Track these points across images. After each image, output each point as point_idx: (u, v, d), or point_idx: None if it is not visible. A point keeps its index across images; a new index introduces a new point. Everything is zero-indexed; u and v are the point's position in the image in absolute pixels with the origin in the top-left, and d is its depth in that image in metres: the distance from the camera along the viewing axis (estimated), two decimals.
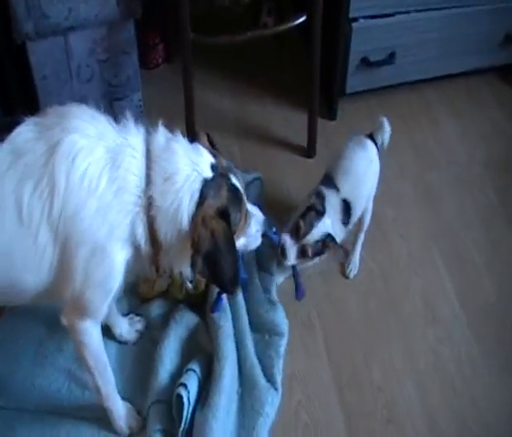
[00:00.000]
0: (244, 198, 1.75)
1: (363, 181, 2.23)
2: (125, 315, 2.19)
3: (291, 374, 2.13)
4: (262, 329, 2.19)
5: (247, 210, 1.79)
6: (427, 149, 2.80)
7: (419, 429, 2.05)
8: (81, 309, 1.72)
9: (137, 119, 1.72)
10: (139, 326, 2.19)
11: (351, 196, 2.18)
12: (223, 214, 1.63)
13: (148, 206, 1.61)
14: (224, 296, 2.14)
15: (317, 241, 2.07)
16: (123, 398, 2.00)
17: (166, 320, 2.18)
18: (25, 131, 1.62)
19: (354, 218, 2.24)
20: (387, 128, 2.30)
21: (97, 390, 1.91)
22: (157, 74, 3.00)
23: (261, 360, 2.12)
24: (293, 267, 2.19)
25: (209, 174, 1.64)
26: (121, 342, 2.15)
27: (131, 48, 2.57)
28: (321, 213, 2.09)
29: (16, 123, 1.63)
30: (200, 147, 1.70)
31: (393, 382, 2.14)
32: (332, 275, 2.39)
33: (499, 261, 2.46)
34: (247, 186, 2.49)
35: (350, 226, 2.23)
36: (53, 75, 2.49)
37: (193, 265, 1.62)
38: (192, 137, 1.76)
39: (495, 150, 2.82)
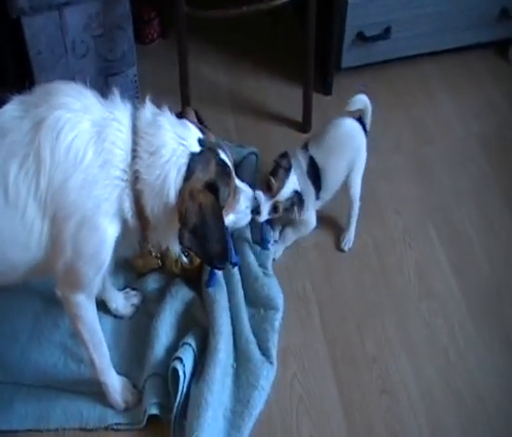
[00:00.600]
0: (233, 173, 1.74)
1: (336, 151, 2.25)
2: (121, 289, 2.19)
3: (286, 347, 2.13)
4: (258, 303, 2.18)
5: (236, 186, 1.78)
6: (423, 124, 2.77)
7: (413, 400, 2.05)
8: (74, 283, 1.72)
9: (126, 94, 1.71)
10: (135, 300, 2.18)
11: (320, 159, 2.23)
12: (211, 188, 1.62)
13: (135, 180, 1.60)
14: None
15: (288, 198, 2.14)
16: (119, 372, 2.00)
17: (162, 295, 2.18)
18: (11, 110, 1.62)
19: (328, 186, 2.26)
20: (365, 105, 2.32)
21: (93, 364, 1.91)
22: (152, 49, 2.96)
23: (256, 334, 2.12)
24: (263, 222, 2.23)
25: (196, 148, 1.63)
26: (117, 317, 2.15)
27: (126, 23, 2.53)
28: (287, 169, 2.15)
29: (3, 102, 1.63)
30: (188, 122, 1.68)
31: (387, 354, 2.14)
32: (327, 248, 2.38)
33: (493, 235, 2.44)
34: (242, 160, 2.48)
35: (324, 194, 2.27)
36: (48, 50, 2.46)
37: (181, 239, 1.61)
38: (180, 113, 1.76)
39: (490, 125, 2.78)
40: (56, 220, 1.59)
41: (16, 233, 1.60)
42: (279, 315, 2.17)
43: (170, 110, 1.71)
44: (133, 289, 2.21)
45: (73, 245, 1.62)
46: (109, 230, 1.64)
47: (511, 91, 2.89)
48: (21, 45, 2.44)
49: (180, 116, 1.73)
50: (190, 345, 2.01)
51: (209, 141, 1.69)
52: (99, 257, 1.67)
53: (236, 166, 2.43)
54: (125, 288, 2.20)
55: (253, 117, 2.74)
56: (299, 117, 2.70)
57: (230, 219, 1.80)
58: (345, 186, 2.31)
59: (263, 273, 2.25)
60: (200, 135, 1.68)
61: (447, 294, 2.28)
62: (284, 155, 2.19)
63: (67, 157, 1.56)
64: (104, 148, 1.58)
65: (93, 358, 1.89)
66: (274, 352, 2.08)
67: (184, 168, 1.60)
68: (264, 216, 2.14)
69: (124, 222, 1.65)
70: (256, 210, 2.07)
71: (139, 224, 1.66)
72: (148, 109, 1.68)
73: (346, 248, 2.37)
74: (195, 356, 2.02)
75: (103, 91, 2.53)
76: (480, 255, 2.39)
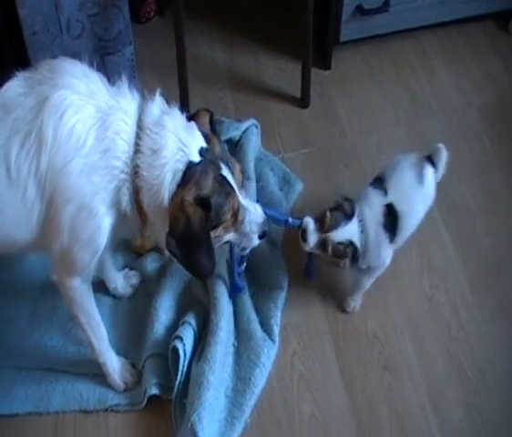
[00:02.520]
0: (236, 193, 1.63)
1: (416, 199, 2.00)
2: (120, 270, 2.14)
3: (287, 325, 2.08)
4: (262, 281, 2.13)
5: (241, 206, 1.66)
6: (422, 97, 2.70)
7: (415, 375, 2.02)
8: (69, 266, 1.68)
9: (131, 80, 1.64)
10: (134, 280, 2.14)
11: (400, 204, 1.96)
12: (203, 203, 1.54)
13: (135, 174, 1.55)
14: (239, 278, 2.05)
15: (339, 243, 1.90)
16: (118, 353, 1.97)
17: (161, 274, 2.13)
18: (15, 86, 1.57)
19: (403, 235, 2.00)
20: (444, 155, 2.02)
21: (91, 345, 1.88)
22: (149, 28, 2.88)
23: (258, 313, 2.07)
24: (309, 253, 2.03)
25: (196, 158, 1.55)
26: (116, 297, 2.11)
27: (122, 2, 2.45)
28: (348, 215, 1.92)
29: (7, 78, 1.58)
30: (195, 127, 1.60)
31: (388, 330, 2.10)
32: None
33: (494, 208, 2.38)
34: (242, 134, 2.42)
35: (398, 241, 2.01)
36: (43, 30, 2.39)
37: (167, 243, 1.56)
38: (192, 115, 1.67)
39: (490, 98, 2.71)
40: (54, 203, 1.55)
41: (18, 211, 1.56)
42: (283, 294, 2.13)
43: (181, 110, 1.64)
44: (132, 269, 2.16)
45: (70, 229, 1.58)
46: (106, 218, 1.60)
47: (511, 63, 2.81)
48: (16, 26, 2.37)
49: (192, 117, 1.65)
50: (191, 324, 1.97)
51: (212, 153, 1.60)
52: (95, 242, 1.62)
53: (237, 141, 2.42)
54: (124, 268, 2.16)
55: (251, 94, 2.67)
56: (297, 93, 2.63)
57: (225, 238, 1.70)
58: None
59: (269, 249, 2.19)
60: (204, 144, 1.59)
61: (449, 268, 2.23)
62: (348, 199, 1.95)
63: (69, 140, 1.52)
64: (106, 137, 1.54)
65: (91, 340, 1.86)
66: (277, 330, 2.04)
67: (179, 175, 1.53)
68: (310, 246, 1.92)
69: (122, 212, 1.61)
70: (303, 237, 1.91)
71: (139, 217, 1.62)
72: (157, 105, 1.61)
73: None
74: (195, 335, 1.98)
75: (100, 71, 2.50)
76: (481, 228, 2.33)
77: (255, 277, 2.11)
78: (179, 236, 1.53)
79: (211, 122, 1.69)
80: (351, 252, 1.91)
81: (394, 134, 2.57)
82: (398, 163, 2.03)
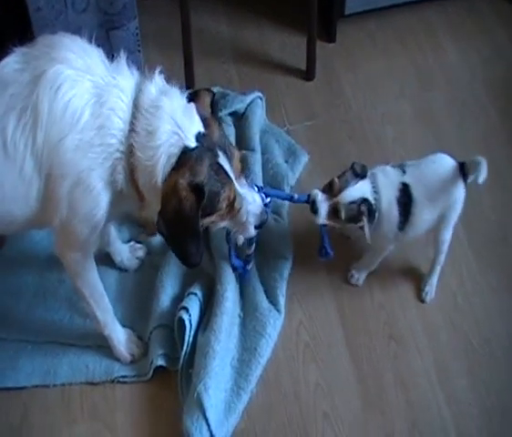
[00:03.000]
0: (233, 182, 1.58)
1: (433, 196, 1.91)
2: (125, 243, 2.13)
3: (292, 295, 2.08)
4: (267, 252, 2.12)
5: (238, 196, 1.62)
6: (428, 70, 2.67)
7: (421, 345, 2.01)
8: (70, 241, 1.68)
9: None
10: (140, 253, 2.13)
11: (417, 190, 1.89)
12: (197, 190, 1.50)
13: (130, 153, 1.53)
14: (249, 267, 2.03)
15: (351, 203, 1.83)
16: (124, 325, 1.97)
17: (167, 246, 2.09)
18: (12, 62, 1.56)
19: (412, 227, 1.93)
20: (484, 171, 1.88)
21: (96, 318, 1.88)
22: (154, 3, 2.83)
23: (264, 283, 2.06)
24: (322, 227, 1.94)
25: (192, 143, 1.51)
26: (122, 270, 2.10)
27: None
28: (359, 175, 1.86)
29: (6, 53, 1.56)
30: (194, 109, 1.55)
31: (394, 300, 2.09)
32: None
33: (500, 180, 2.35)
34: (247, 107, 2.39)
35: (408, 230, 1.93)
36: (47, 5, 2.36)
37: (157, 223, 1.54)
38: (193, 94, 1.62)
39: (496, 71, 2.68)
40: (51, 177, 1.54)
41: (16, 187, 1.55)
42: (288, 264, 2.11)
43: (181, 90, 1.60)
44: (138, 242, 2.15)
45: (68, 203, 1.57)
46: (103, 194, 1.58)
47: None
48: (21, 3, 2.35)
49: (193, 98, 1.60)
50: (196, 295, 1.96)
51: (210, 139, 1.55)
52: (94, 217, 1.61)
53: (242, 113, 2.40)
54: (130, 241, 2.14)
55: (256, 67, 2.65)
56: (303, 66, 2.61)
57: (220, 224, 1.68)
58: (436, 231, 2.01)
59: (275, 220, 2.18)
60: (202, 129, 1.54)
61: (454, 240, 2.18)
62: (361, 165, 1.89)
63: (64, 115, 1.50)
64: (102, 113, 1.51)
65: (95, 313, 1.86)
66: (282, 301, 2.04)
67: (174, 159, 1.50)
68: (322, 217, 1.85)
69: (119, 189, 1.59)
70: (313, 209, 1.85)
71: (136, 194, 1.61)
72: (155, 85, 1.57)
73: (427, 299, 2.08)
74: (201, 305, 1.97)
75: (104, 46, 2.48)
76: (486, 201, 2.31)
77: (260, 248, 2.08)
78: (169, 218, 1.51)
79: (212, 103, 1.65)
80: (366, 210, 1.84)
81: (399, 106, 2.55)
82: (427, 160, 1.96)
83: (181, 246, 1.58)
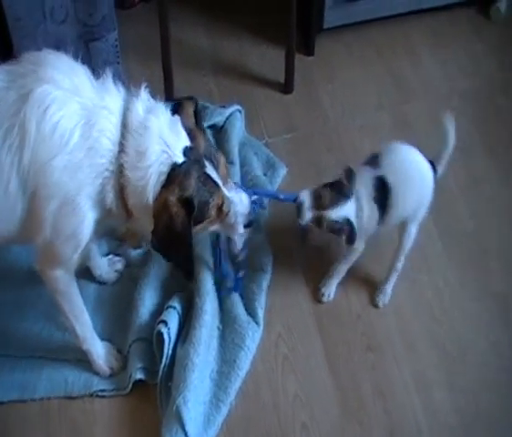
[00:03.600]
0: (221, 188, 1.63)
1: (409, 183, 1.94)
2: (104, 256, 2.12)
3: (271, 307, 2.08)
4: (246, 264, 2.11)
5: (226, 200, 1.66)
6: (406, 81, 2.69)
7: (398, 355, 2.03)
8: (52, 259, 1.68)
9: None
10: (119, 266, 2.12)
11: (393, 179, 1.91)
12: (186, 203, 1.54)
13: (119, 173, 1.54)
14: (241, 275, 2.05)
15: (335, 222, 1.88)
16: (104, 338, 1.96)
17: (145, 259, 2.12)
18: None
19: (391, 217, 1.95)
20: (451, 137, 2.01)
21: (75, 333, 1.87)
22: (134, 13, 2.85)
23: (243, 296, 2.07)
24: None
25: (179, 158, 1.54)
26: (101, 283, 2.10)
27: None
28: (346, 194, 1.88)
29: None
30: (179, 124, 1.58)
31: (371, 311, 2.10)
32: None
33: (477, 191, 2.38)
34: (226, 120, 2.41)
35: (388, 219, 1.96)
36: (26, 16, 2.35)
37: (152, 242, 1.57)
38: (176, 105, 1.64)
39: (473, 82, 2.71)
40: (37, 198, 1.54)
41: (0, 205, 1.54)
42: (267, 276, 2.12)
43: (166, 105, 1.62)
44: (117, 255, 2.15)
45: (52, 224, 1.57)
46: (90, 213, 1.59)
47: (494, 48, 2.82)
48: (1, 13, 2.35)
49: (176, 109, 1.62)
50: (175, 308, 1.96)
51: (196, 151, 1.58)
52: (78, 237, 1.61)
53: (221, 126, 2.41)
54: (108, 254, 2.14)
55: (236, 79, 2.66)
56: (281, 79, 2.62)
57: (211, 228, 1.73)
58: (400, 230, 2.05)
59: (253, 233, 2.16)
60: (188, 143, 1.57)
61: (431, 250, 2.23)
62: (350, 175, 1.89)
63: (53, 136, 1.50)
64: (91, 135, 1.52)
65: (75, 328, 1.85)
66: (261, 313, 2.04)
67: (163, 177, 1.53)
68: (305, 222, 1.89)
69: (107, 208, 1.60)
70: (298, 212, 1.89)
71: (124, 213, 1.62)
72: (142, 102, 1.58)
73: (381, 304, 2.11)
74: (180, 319, 1.97)
75: (84, 57, 2.47)
76: (464, 210, 2.34)
77: (239, 260, 2.09)
78: (163, 235, 1.54)
79: (196, 112, 1.67)
80: (347, 231, 1.88)
81: (377, 118, 2.57)
82: (399, 147, 2.00)
83: (177, 259, 1.63)
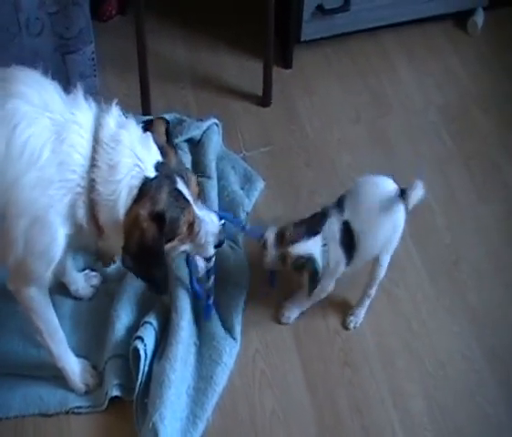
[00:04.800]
0: (192, 206, 1.62)
1: (375, 223, 1.91)
2: (80, 271, 2.11)
3: (249, 323, 2.07)
4: (224, 279, 2.11)
5: (196, 218, 1.65)
6: (383, 95, 2.72)
7: (375, 370, 2.03)
8: (25, 277, 1.66)
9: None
10: (95, 281, 2.11)
11: (357, 224, 1.89)
12: (157, 218, 1.52)
13: (91, 188, 1.53)
14: (211, 302, 2.02)
15: (299, 257, 1.86)
16: (79, 355, 1.94)
17: (122, 274, 2.09)
18: None
19: (359, 258, 1.95)
20: (420, 192, 1.90)
21: (49, 351, 1.85)
22: (110, 26, 2.85)
23: (220, 311, 2.06)
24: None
25: (151, 173, 1.54)
26: (77, 298, 2.08)
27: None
28: (313, 232, 1.87)
29: None
30: (151, 140, 1.58)
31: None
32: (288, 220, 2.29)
33: (454, 204, 2.41)
34: (203, 133, 2.40)
35: (357, 262, 1.95)
36: (1, 29, 2.34)
37: (122, 259, 1.55)
38: (148, 123, 1.64)
39: (450, 96, 2.74)
40: (6, 216, 1.52)
41: None
42: (244, 292, 2.11)
43: (137, 121, 1.62)
44: (93, 270, 2.13)
45: (23, 242, 1.55)
46: (61, 230, 1.57)
47: (471, 62, 2.85)
48: None
49: (147, 126, 1.62)
50: (151, 324, 1.95)
51: (167, 167, 1.58)
52: (49, 254, 1.60)
53: (198, 140, 2.40)
54: (84, 269, 2.12)
55: (213, 92, 2.66)
56: (259, 91, 2.63)
57: (181, 248, 1.70)
58: (373, 260, 2.03)
59: (231, 248, 2.18)
60: (159, 158, 1.57)
61: (408, 264, 2.24)
62: (318, 216, 1.90)
63: (23, 154, 1.48)
64: (62, 150, 1.51)
65: (49, 345, 1.84)
66: (238, 329, 2.04)
67: (135, 191, 1.52)
68: (269, 260, 1.89)
69: (78, 224, 1.58)
70: (262, 251, 1.89)
71: (95, 230, 1.60)
72: (113, 118, 1.57)
73: (351, 327, 2.10)
74: (156, 335, 1.96)
75: (60, 70, 2.48)
76: (440, 224, 2.36)
77: (216, 275, 2.08)
78: (134, 251, 1.53)
79: (167, 131, 1.67)
80: (311, 267, 1.86)
81: (355, 132, 2.58)
82: (364, 188, 1.96)
83: (150, 276, 1.61)
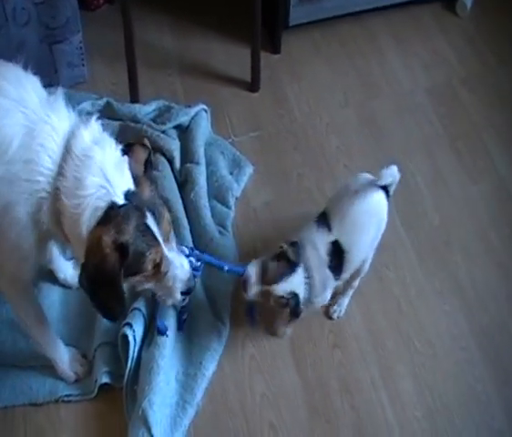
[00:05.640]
0: (161, 245, 1.52)
1: (363, 231, 1.87)
2: (69, 259, 2.07)
3: (238, 308, 2.05)
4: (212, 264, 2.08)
5: (164, 259, 1.56)
6: (371, 78, 2.69)
7: (365, 351, 2.03)
8: (2, 273, 1.62)
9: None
10: None
11: (346, 241, 1.83)
12: (121, 249, 1.44)
13: (56, 196, 1.47)
14: (185, 317, 1.96)
15: (281, 297, 1.78)
16: (69, 343, 1.93)
17: None
18: None
19: (349, 270, 1.90)
20: (394, 173, 1.85)
21: (37, 342, 1.83)
22: (98, 15, 2.80)
23: (209, 297, 2.04)
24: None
25: (120, 199, 1.45)
26: (65, 287, 2.05)
27: None
28: (293, 264, 1.78)
29: None
30: (125, 165, 1.49)
31: None
32: (275, 207, 2.30)
33: (442, 186, 2.39)
34: (192, 119, 2.38)
35: (346, 275, 1.90)
36: None
37: (79, 275, 1.47)
38: (128, 146, 1.56)
39: (438, 78, 2.71)
40: None
41: None
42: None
43: (117, 141, 1.54)
44: None
45: None
46: (29, 229, 1.52)
47: (459, 43, 2.82)
48: None
49: (128, 149, 1.54)
50: (140, 310, 1.93)
51: (139, 199, 1.48)
52: (21, 250, 1.55)
53: (186, 127, 2.38)
54: (72, 258, 2.07)
55: (201, 79, 2.62)
56: (247, 77, 2.59)
57: (147, 286, 1.62)
58: None
59: (219, 233, 2.16)
60: (132, 187, 1.48)
61: (398, 246, 2.23)
62: (294, 244, 1.80)
63: None
64: (31, 147, 1.45)
65: (36, 337, 1.82)
66: (227, 314, 2.02)
67: (100, 213, 1.44)
68: (251, 296, 1.79)
69: (45, 228, 1.53)
70: (244, 287, 1.79)
71: (63, 237, 1.54)
72: (90, 132, 1.50)
73: (335, 316, 2.06)
74: (145, 321, 1.93)
75: (47, 60, 2.45)
76: (429, 205, 2.34)
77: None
78: (91, 272, 1.45)
79: (147, 161, 1.57)
80: (293, 303, 1.78)
81: (344, 115, 2.56)
82: (343, 193, 1.89)
83: (101, 300, 1.52)
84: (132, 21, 2.35)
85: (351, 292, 2.07)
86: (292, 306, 1.79)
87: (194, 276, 1.70)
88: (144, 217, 1.48)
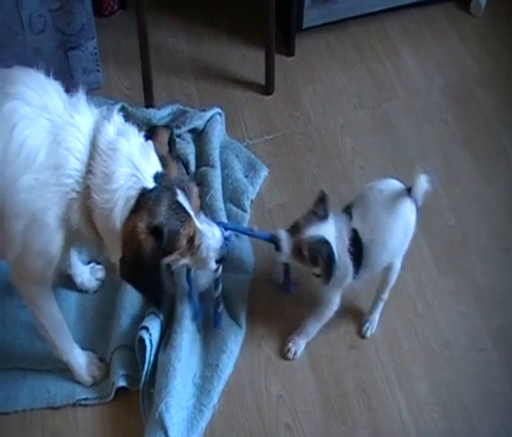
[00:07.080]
0: (193, 219, 1.55)
1: (385, 231, 1.82)
2: (86, 264, 2.09)
3: (254, 309, 2.05)
4: (228, 266, 2.05)
5: (197, 232, 1.58)
6: (386, 79, 2.67)
7: (381, 352, 2.01)
8: (25, 274, 1.64)
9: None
10: (100, 274, 2.08)
11: (366, 235, 1.81)
12: (155, 231, 1.46)
13: (86, 195, 1.48)
14: (220, 310, 1.97)
15: (313, 239, 1.76)
16: (86, 347, 1.93)
17: None
18: None
19: (371, 266, 1.86)
20: (425, 184, 1.82)
21: (54, 345, 1.83)
22: (113, 21, 2.80)
23: (225, 298, 2.02)
24: (285, 265, 1.97)
25: (150, 184, 1.47)
26: (82, 291, 2.06)
27: None
28: (322, 217, 1.78)
29: None
30: (151, 149, 1.51)
31: (354, 310, 2.08)
32: (290, 209, 2.27)
33: (458, 185, 2.37)
34: (207, 123, 2.38)
35: (364, 273, 1.87)
36: (4, 26, 2.33)
37: (120, 269, 1.50)
38: (150, 131, 1.58)
39: (453, 78, 2.69)
40: (4, 216, 1.49)
41: None
42: (249, 278, 2.09)
43: (139, 128, 1.55)
44: (98, 263, 2.10)
45: (22, 241, 1.53)
46: (58, 232, 1.53)
47: (473, 43, 2.80)
48: None
49: (150, 134, 1.56)
50: (157, 314, 1.92)
51: (168, 178, 1.50)
52: (49, 253, 1.56)
53: (201, 130, 2.38)
54: (90, 262, 2.10)
55: (216, 82, 2.62)
56: (261, 80, 2.59)
57: (180, 261, 1.63)
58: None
59: (235, 235, 2.14)
60: (160, 168, 1.50)
61: (413, 246, 2.15)
62: (322, 199, 1.81)
63: (19, 155, 1.45)
64: (58, 152, 1.46)
65: (54, 341, 1.82)
66: (243, 316, 2.02)
67: (132, 202, 1.45)
68: (285, 254, 1.78)
69: (75, 229, 1.54)
70: (277, 247, 1.79)
71: (95, 236, 1.55)
72: (114, 124, 1.51)
73: (368, 335, 2.03)
74: (162, 324, 1.93)
75: (63, 66, 2.46)
76: (445, 206, 2.32)
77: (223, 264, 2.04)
78: (130, 263, 1.47)
79: (170, 141, 1.60)
80: (326, 253, 1.75)
81: (358, 117, 2.54)
82: (369, 190, 1.88)
83: (146, 288, 1.56)
84: (146, 26, 2.36)
85: (381, 306, 2.03)
86: (325, 255, 1.75)
87: (226, 244, 1.72)
88: (175, 194, 1.50)
